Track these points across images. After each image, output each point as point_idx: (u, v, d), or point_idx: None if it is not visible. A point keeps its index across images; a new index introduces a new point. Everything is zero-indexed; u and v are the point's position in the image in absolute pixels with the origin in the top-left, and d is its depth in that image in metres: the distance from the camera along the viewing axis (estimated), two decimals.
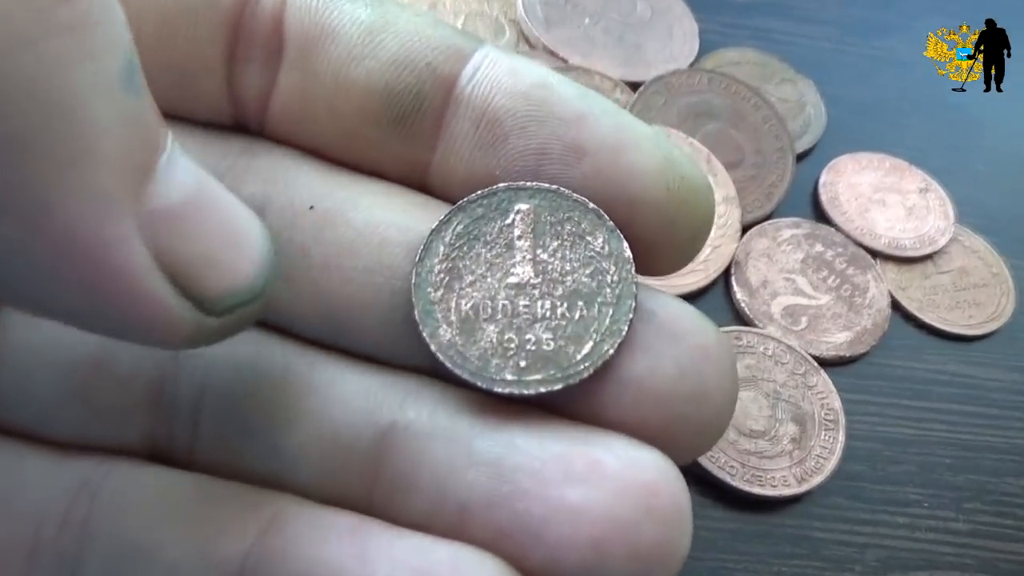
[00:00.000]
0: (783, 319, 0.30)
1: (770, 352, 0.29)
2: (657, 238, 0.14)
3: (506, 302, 0.14)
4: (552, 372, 0.13)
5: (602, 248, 0.14)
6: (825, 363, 0.29)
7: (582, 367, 0.13)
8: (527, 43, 0.35)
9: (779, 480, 0.26)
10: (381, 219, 0.14)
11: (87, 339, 0.13)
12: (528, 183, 0.14)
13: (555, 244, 0.14)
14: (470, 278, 0.14)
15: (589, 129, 0.13)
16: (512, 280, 0.14)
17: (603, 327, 0.13)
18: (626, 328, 0.13)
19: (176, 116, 0.14)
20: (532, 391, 0.13)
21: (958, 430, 0.29)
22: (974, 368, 0.31)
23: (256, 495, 0.13)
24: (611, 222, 0.14)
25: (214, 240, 0.11)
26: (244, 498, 0.13)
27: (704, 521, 0.26)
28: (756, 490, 0.26)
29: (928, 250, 0.33)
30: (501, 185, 0.14)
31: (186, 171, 0.11)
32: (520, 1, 0.35)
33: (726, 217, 0.31)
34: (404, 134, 0.14)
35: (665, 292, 0.14)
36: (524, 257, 0.14)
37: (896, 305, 0.32)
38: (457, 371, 0.13)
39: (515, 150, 0.14)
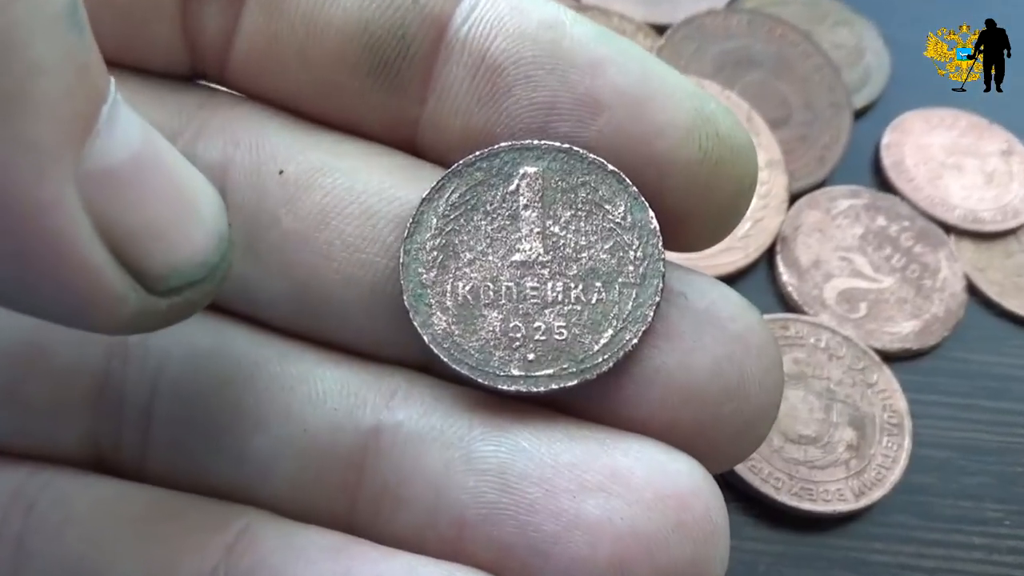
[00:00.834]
0: (838, 306, 0.30)
1: (823, 344, 0.29)
2: (688, 207, 0.14)
3: (511, 284, 0.14)
4: (565, 365, 0.13)
5: (623, 219, 0.14)
6: (888, 357, 0.29)
7: (600, 359, 0.13)
8: None
9: (833, 494, 0.26)
10: (363, 185, 0.14)
11: (18, 324, 0.13)
12: (535, 142, 0.14)
13: (568, 214, 0.14)
14: (468, 256, 0.14)
15: (607, 78, 0.13)
16: (517, 258, 0.14)
17: (625, 312, 0.13)
18: (652, 313, 0.13)
19: (123, 65, 0.14)
20: (542, 388, 0.13)
21: None
22: None
23: (220, 508, 0.13)
24: (634, 188, 0.14)
25: (161, 208, 0.11)
26: (206, 511, 0.13)
27: (744, 542, 0.26)
28: (806, 506, 0.26)
29: (1011, 224, 0.33)
30: (503, 145, 0.14)
31: (129, 125, 0.11)
32: None
33: (770, 185, 0.31)
34: (387, 84, 0.14)
35: (698, 271, 0.14)
36: (531, 230, 0.14)
37: (973, 289, 0.32)
38: (454, 365, 0.13)
39: (520, 103, 0.14)
